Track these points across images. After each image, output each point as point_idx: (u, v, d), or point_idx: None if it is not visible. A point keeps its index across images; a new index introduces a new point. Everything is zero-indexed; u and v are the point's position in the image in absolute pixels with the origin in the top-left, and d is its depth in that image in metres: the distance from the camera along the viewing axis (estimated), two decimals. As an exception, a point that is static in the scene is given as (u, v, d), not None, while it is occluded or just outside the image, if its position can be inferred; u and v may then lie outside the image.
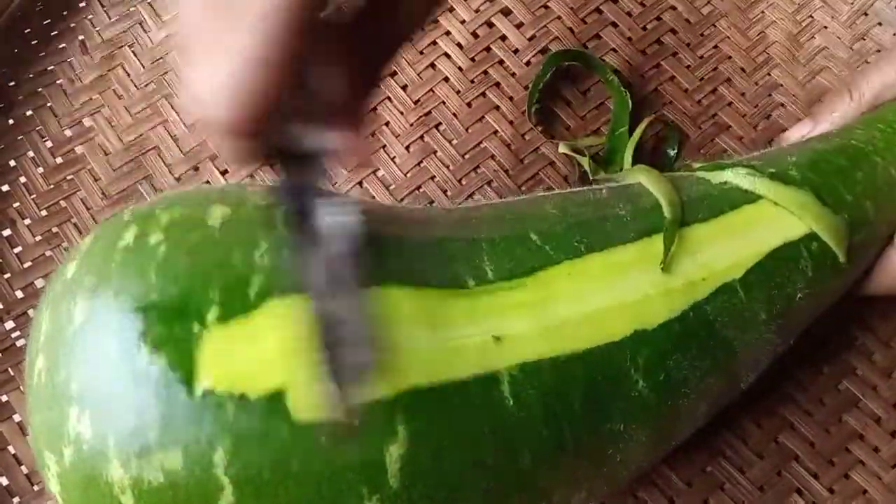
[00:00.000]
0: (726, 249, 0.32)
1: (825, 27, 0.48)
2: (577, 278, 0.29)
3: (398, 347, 0.25)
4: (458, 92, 0.46)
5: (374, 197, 0.44)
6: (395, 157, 0.45)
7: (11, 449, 0.39)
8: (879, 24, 0.47)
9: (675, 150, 0.45)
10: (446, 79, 0.47)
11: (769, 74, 0.47)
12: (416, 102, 0.46)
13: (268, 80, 0.21)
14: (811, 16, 0.48)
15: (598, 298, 0.29)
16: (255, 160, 0.24)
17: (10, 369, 0.40)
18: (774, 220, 0.33)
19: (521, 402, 0.27)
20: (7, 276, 0.42)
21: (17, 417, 0.39)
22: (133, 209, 0.27)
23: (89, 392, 0.24)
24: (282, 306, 0.24)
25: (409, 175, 0.45)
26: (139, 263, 0.25)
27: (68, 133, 0.45)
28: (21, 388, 0.40)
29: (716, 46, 0.47)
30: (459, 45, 0.47)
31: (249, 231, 0.26)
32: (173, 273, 0.25)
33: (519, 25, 0.48)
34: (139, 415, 0.23)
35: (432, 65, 0.47)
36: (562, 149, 0.43)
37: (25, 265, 0.42)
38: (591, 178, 0.42)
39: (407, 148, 0.45)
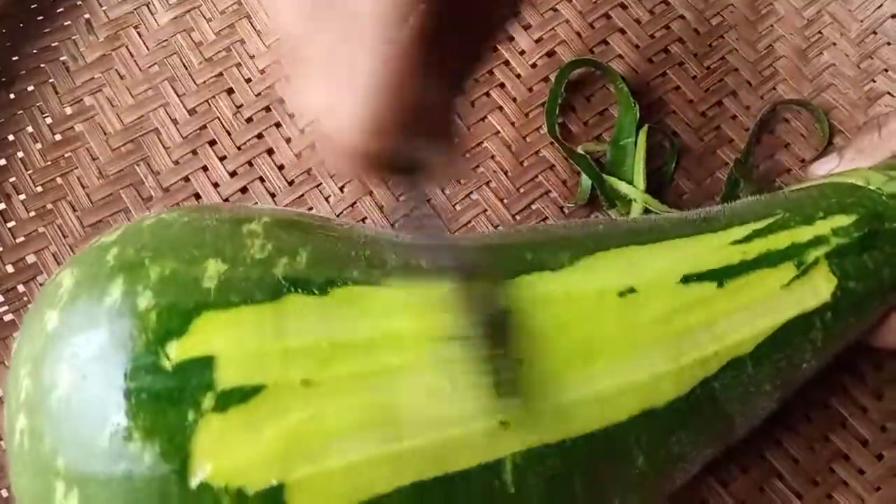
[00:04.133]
0: (741, 320, 0.30)
1: (834, 44, 0.47)
2: (592, 358, 0.28)
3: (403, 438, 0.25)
4: (461, 90, 0.46)
5: (371, 192, 0.44)
6: (394, 151, 0.45)
7: (-7, 423, 0.39)
8: (888, 43, 0.47)
9: (674, 163, 0.45)
10: (450, 76, 0.46)
11: (774, 89, 0.47)
12: (418, 98, 0.46)
13: (400, 104, 0.21)
14: (820, 32, 0.48)
15: (610, 380, 0.28)
16: (372, 177, 0.23)
17: (-4, 343, 0.40)
18: (794, 288, 0.32)
19: (522, 489, 0.26)
20: (-1, 250, 0.42)
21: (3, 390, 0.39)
22: (118, 249, 0.25)
23: (76, 471, 0.23)
24: (282, 393, 0.23)
25: (407, 171, 0.44)
26: (128, 332, 0.23)
27: (68, 111, 0.45)
28: (6, 363, 0.40)
29: (723, 58, 0.47)
30: (465, 43, 0.47)
31: (247, 295, 0.25)
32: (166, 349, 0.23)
33: (527, 27, 0.48)
34: (131, 502, 0.22)
35: (437, 61, 0.47)
36: (581, 150, 0.44)
37: (18, 240, 0.42)
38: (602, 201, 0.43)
39: (407, 143, 0.45)
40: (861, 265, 0.33)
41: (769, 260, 0.32)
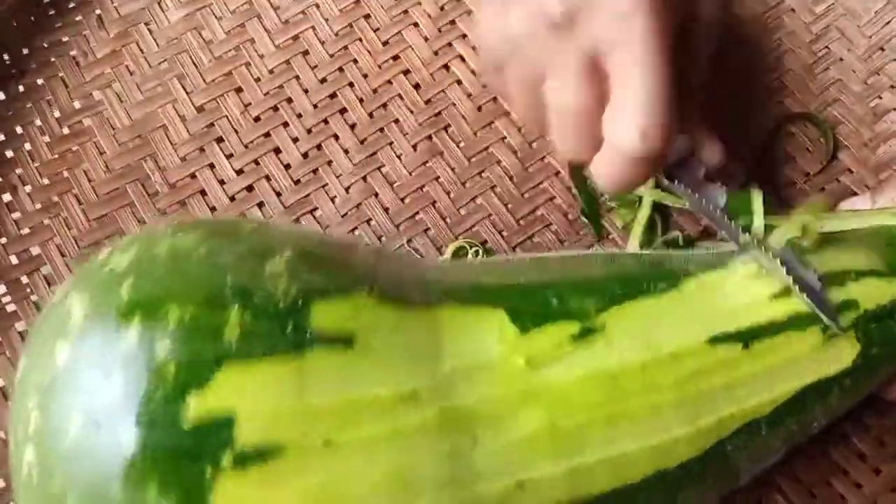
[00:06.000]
0: (762, 384, 0.30)
1: (841, 59, 0.47)
2: (614, 419, 0.28)
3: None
4: (469, 95, 0.46)
5: (377, 194, 0.44)
6: (401, 154, 0.45)
7: (-4, 421, 0.39)
8: (895, 60, 0.47)
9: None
10: (459, 81, 0.47)
11: (781, 102, 0.47)
12: (427, 102, 0.46)
13: (671, 108, 0.29)
14: (828, 47, 0.48)
15: (629, 442, 0.27)
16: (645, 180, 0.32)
17: (-2, 333, 0.40)
18: (818, 353, 0.31)
19: None
20: (3, 240, 0.42)
21: (1, 382, 0.39)
22: (132, 281, 0.24)
23: None
24: (303, 454, 0.23)
25: (413, 174, 0.45)
26: (145, 382, 0.23)
27: (77, 105, 0.45)
28: (8, 353, 0.40)
29: (731, 71, 0.47)
30: (475, 48, 0.47)
31: (269, 348, 0.24)
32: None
33: (535, 34, 0.48)
34: None
35: (446, 66, 0.47)
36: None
37: (23, 231, 0.42)
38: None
39: (414, 147, 0.45)
40: (886, 330, 0.32)
41: (797, 323, 0.31)
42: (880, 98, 0.47)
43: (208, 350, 0.23)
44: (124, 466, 0.22)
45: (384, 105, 0.46)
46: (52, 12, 0.47)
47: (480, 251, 0.42)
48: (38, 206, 0.43)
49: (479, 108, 0.46)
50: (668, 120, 0.29)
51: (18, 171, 0.44)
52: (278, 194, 0.44)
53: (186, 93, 0.46)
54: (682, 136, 0.36)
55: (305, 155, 0.45)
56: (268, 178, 0.44)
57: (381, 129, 0.45)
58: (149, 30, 0.47)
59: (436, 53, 0.47)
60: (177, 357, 0.23)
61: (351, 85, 0.46)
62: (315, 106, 0.46)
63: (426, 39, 0.47)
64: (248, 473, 0.22)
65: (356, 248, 0.30)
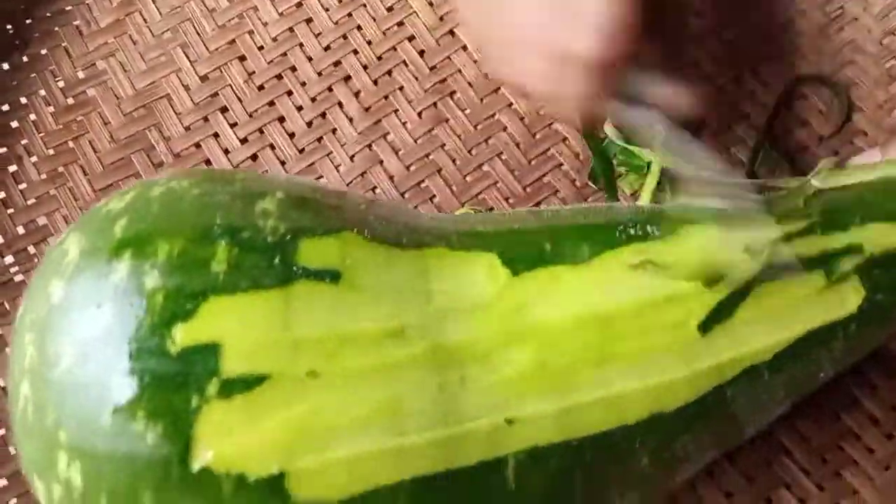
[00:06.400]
0: (762, 328, 0.29)
1: (856, 19, 0.46)
2: (606, 360, 0.27)
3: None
4: (475, 61, 0.46)
5: (382, 162, 0.44)
6: (406, 122, 0.44)
7: (1, 382, 0.39)
8: (912, 20, 0.46)
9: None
10: (465, 47, 0.46)
11: (794, 64, 0.46)
12: (431, 69, 0.46)
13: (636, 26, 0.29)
14: (842, 7, 0.47)
15: (622, 383, 0.27)
16: (603, 99, 0.31)
17: (6, 303, 0.40)
18: (821, 298, 0.30)
19: (523, 487, 0.26)
20: (10, 211, 0.42)
21: (9, 350, 0.39)
22: (126, 220, 0.25)
23: (79, 445, 0.23)
24: (287, 383, 0.23)
25: (419, 142, 0.44)
26: (134, 313, 0.23)
27: (81, 75, 0.45)
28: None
29: (742, 32, 0.46)
30: (480, 13, 0.47)
31: (256, 281, 0.24)
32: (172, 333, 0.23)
33: (542, -2, 0.47)
34: (132, 480, 0.22)
35: (451, 32, 0.46)
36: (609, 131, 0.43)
37: (29, 202, 0.42)
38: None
39: (419, 114, 0.45)
40: (892, 277, 0.32)
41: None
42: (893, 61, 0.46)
43: (196, 282, 0.24)
44: (113, 395, 0.23)
45: (389, 72, 0.46)
46: (54, -18, 0.47)
47: (486, 217, 0.42)
48: (44, 176, 0.43)
49: (486, 75, 0.45)
50: (627, 21, 0.29)
51: (24, 141, 0.44)
52: (283, 163, 0.44)
53: (190, 62, 0.45)
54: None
55: (310, 123, 0.44)
56: (272, 146, 0.44)
57: (386, 97, 0.45)
58: (151, -1, 0.47)
59: (441, 19, 0.47)
60: (165, 288, 0.23)
61: (355, 52, 0.46)
62: (319, 74, 0.45)
63: (431, 5, 0.47)
64: (233, 402, 0.23)
65: (347, 194, 0.30)
